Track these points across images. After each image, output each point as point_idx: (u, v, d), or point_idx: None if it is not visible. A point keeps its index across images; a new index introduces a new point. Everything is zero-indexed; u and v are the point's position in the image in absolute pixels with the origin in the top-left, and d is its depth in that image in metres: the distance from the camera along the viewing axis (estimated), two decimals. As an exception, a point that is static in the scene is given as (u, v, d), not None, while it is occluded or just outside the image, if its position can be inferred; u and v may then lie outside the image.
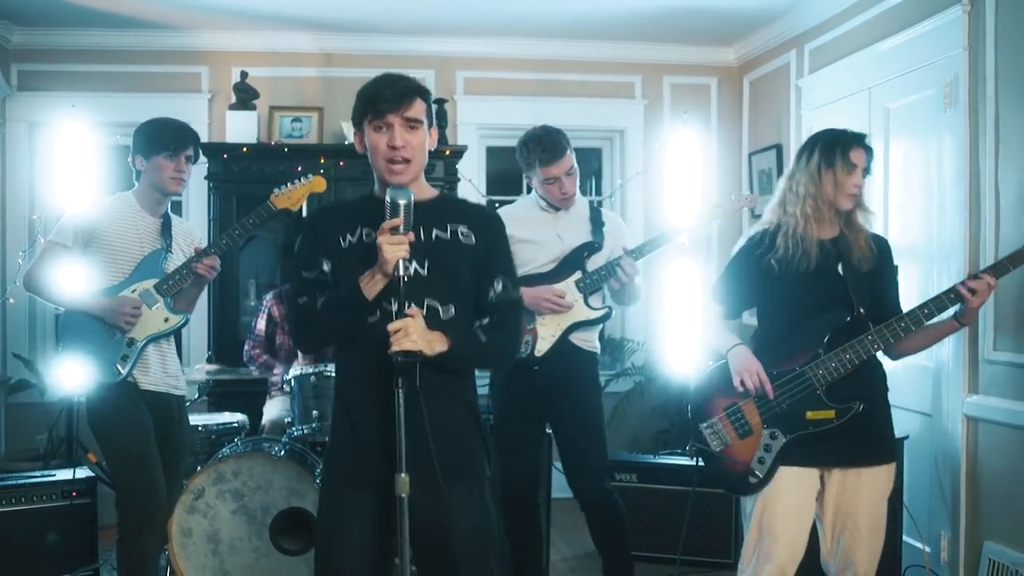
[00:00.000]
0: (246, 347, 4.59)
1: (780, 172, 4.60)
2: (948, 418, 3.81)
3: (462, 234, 2.25)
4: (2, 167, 5.35)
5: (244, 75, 5.29)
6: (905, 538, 3.80)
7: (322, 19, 5.27)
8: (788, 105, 5.18)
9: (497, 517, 3.56)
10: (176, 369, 3.47)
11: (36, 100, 5.33)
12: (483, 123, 5.71)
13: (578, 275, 3.51)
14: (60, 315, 3.40)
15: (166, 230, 3.39)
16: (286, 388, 4.18)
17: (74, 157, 5.03)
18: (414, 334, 2.05)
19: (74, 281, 3.33)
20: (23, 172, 5.38)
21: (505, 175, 5.95)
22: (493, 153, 5.90)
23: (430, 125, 2.26)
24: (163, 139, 3.29)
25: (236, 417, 4.33)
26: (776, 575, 2.67)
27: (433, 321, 2.15)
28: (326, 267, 2.24)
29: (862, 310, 2.68)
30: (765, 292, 2.78)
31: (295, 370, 4.06)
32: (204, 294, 5.03)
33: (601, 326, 3.62)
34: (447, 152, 5.24)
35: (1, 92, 5.27)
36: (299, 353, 4.44)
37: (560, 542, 4.65)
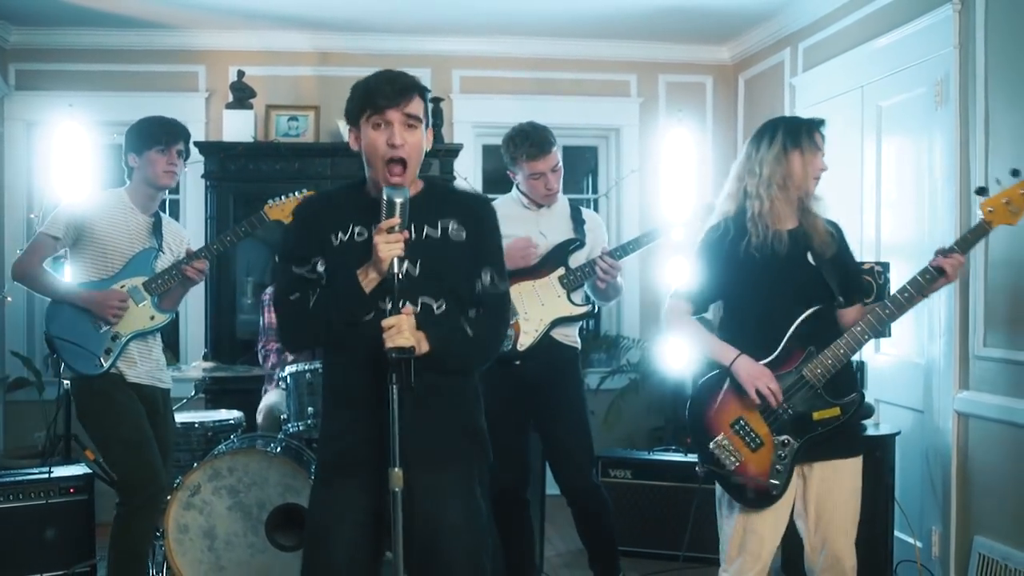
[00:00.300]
0: (259, 346, 4.56)
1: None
2: (939, 414, 3.84)
3: (453, 229, 2.24)
4: (0, 166, 5.37)
5: (241, 74, 5.31)
6: (897, 533, 3.82)
7: (318, 18, 5.28)
8: (782, 103, 5.20)
9: (488, 513, 3.62)
10: (161, 363, 3.51)
11: (34, 99, 5.35)
12: (479, 121, 5.73)
13: (561, 271, 3.53)
14: (47, 305, 3.41)
15: (157, 229, 3.43)
16: (281, 385, 4.20)
17: (72, 156, 5.05)
18: (407, 331, 2.05)
19: (64, 273, 3.38)
20: (21, 171, 5.40)
21: (501, 174, 5.86)
22: (489, 151, 5.92)
23: (427, 125, 2.24)
24: (155, 134, 3.34)
25: (232, 414, 4.35)
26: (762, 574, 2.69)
27: (427, 318, 2.16)
28: (320, 267, 2.22)
29: (841, 299, 2.67)
30: (741, 282, 2.69)
31: (290, 367, 4.09)
32: (201, 292, 5.10)
33: (581, 322, 3.63)
34: (443, 151, 5.26)
35: (-1, 91, 5.30)
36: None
37: (555, 538, 4.67)
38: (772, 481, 2.61)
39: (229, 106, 5.30)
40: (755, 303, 2.69)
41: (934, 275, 2.62)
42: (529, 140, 3.48)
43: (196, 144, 5.18)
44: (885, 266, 3.72)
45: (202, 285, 5.07)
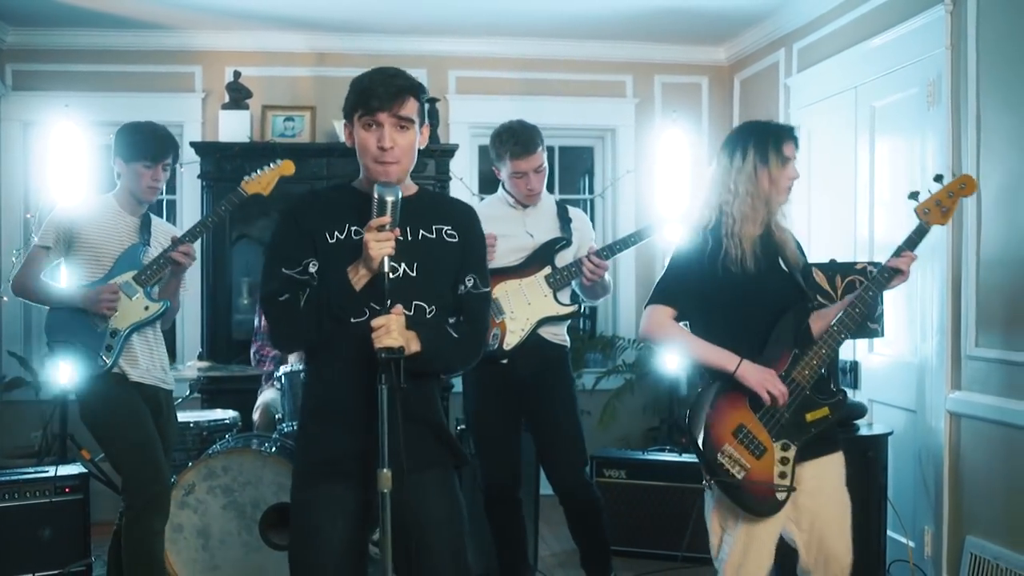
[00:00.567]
0: (253, 348, 4.57)
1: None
2: (932, 414, 3.85)
3: (447, 233, 2.25)
4: (-3, 166, 5.40)
5: (237, 75, 5.33)
6: (889, 533, 3.83)
7: (315, 19, 5.30)
8: (777, 104, 5.21)
9: (480, 514, 3.63)
10: (164, 363, 3.49)
11: (30, 100, 5.36)
12: (475, 122, 5.74)
13: (548, 270, 3.53)
14: (47, 314, 3.43)
15: (145, 227, 3.45)
16: (276, 384, 4.21)
17: (68, 156, 5.06)
18: (395, 331, 2.05)
19: (57, 280, 3.39)
20: (17, 171, 5.42)
21: (497, 174, 5.98)
22: (485, 152, 5.84)
23: (422, 123, 2.23)
24: (144, 147, 3.33)
25: (228, 414, 4.36)
26: None
27: (419, 321, 2.16)
28: (312, 267, 2.20)
29: (820, 299, 2.71)
30: (720, 293, 2.65)
31: (285, 367, 4.11)
32: (197, 292, 5.10)
33: (569, 321, 3.63)
34: (439, 151, 5.27)
35: (-4, 92, 5.32)
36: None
37: (550, 537, 4.68)
38: (779, 486, 2.60)
39: (225, 106, 5.31)
40: (734, 312, 2.66)
41: (892, 274, 2.70)
42: (515, 138, 3.48)
43: (192, 144, 5.22)
44: (877, 265, 3.71)
45: (199, 286, 5.12)
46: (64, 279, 3.44)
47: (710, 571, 2.81)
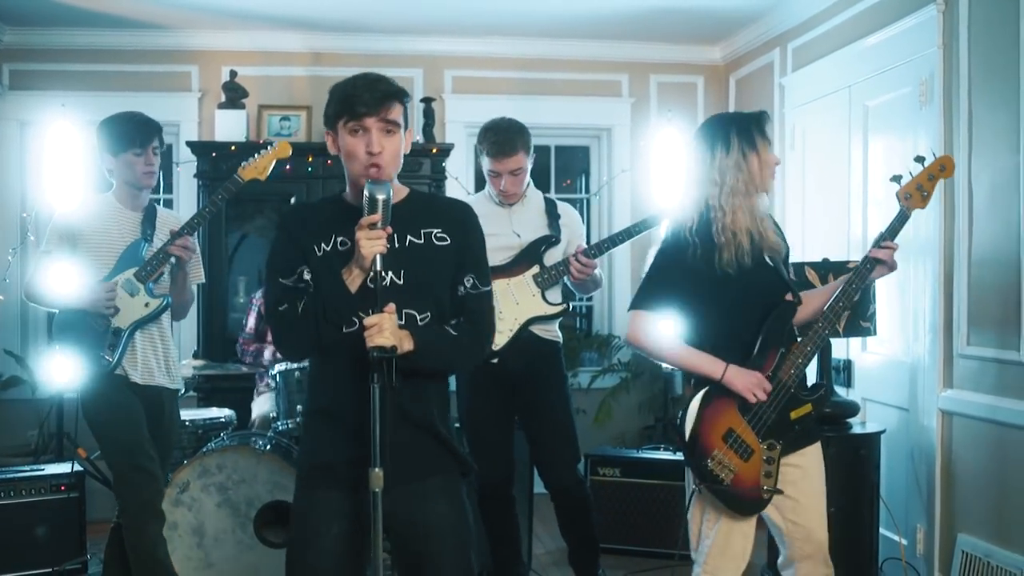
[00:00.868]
0: (238, 345, 4.63)
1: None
2: (924, 412, 3.86)
3: (436, 237, 2.23)
4: (-6, 165, 5.41)
5: (233, 74, 5.34)
6: (882, 531, 3.84)
7: (311, 19, 5.31)
8: (772, 103, 5.22)
9: (474, 512, 3.63)
10: (170, 361, 3.45)
11: (27, 99, 5.37)
12: (471, 121, 5.73)
13: (536, 269, 3.53)
14: (53, 316, 3.44)
15: (148, 221, 3.41)
16: (271, 384, 4.23)
17: (64, 155, 5.08)
18: (387, 330, 2.04)
19: (62, 283, 3.36)
20: (14, 170, 5.43)
21: (493, 173, 5.99)
22: (481, 151, 5.94)
23: (406, 127, 2.23)
24: (129, 135, 3.29)
25: (223, 412, 4.37)
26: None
27: (411, 328, 2.14)
28: (306, 274, 2.20)
29: (800, 294, 2.68)
30: (712, 296, 2.61)
31: (280, 366, 4.12)
32: (194, 290, 5.11)
33: (561, 317, 3.63)
34: (435, 150, 5.28)
35: (-8, 91, 5.33)
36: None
37: (545, 536, 4.70)
38: (765, 487, 2.61)
39: (221, 106, 5.32)
40: (725, 313, 2.63)
41: (873, 265, 2.67)
42: (493, 137, 3.46)
43: (188, 144, 5.23)
44: (870, 265, 3.74)
45: (195, 286, 5.12)
46: (55, 279, 3.43)
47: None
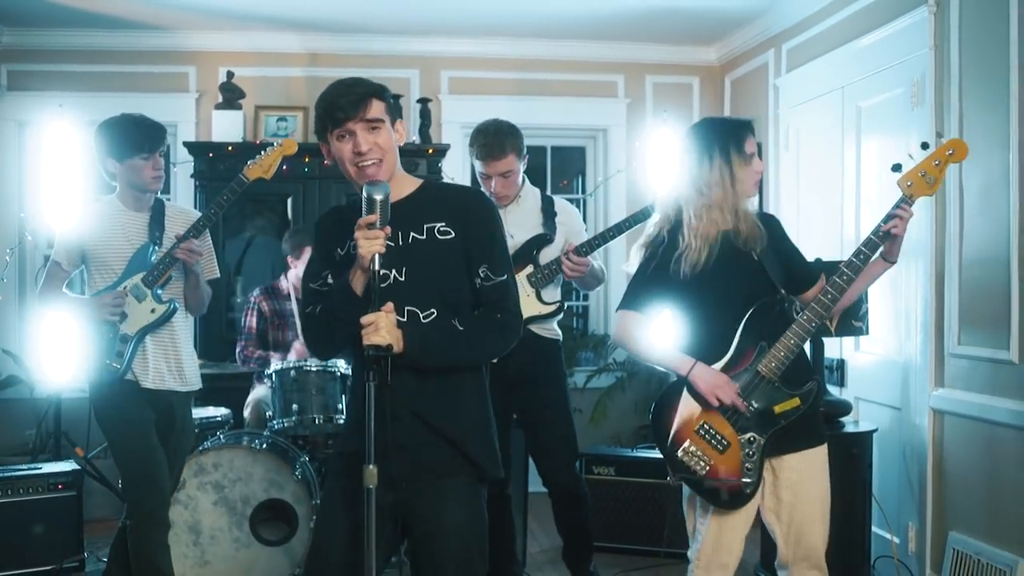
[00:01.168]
0: (238, 348, 4.59)
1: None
2: (916, 411, 3.89)
3: (439, 231, 2.23)
4: (-8, 165, 5.43)
5: (230, 75, 5.36)
6: (874, 529, 3.87)
7: (308, 19, 5.33)
8: (767, 104, 5.25)
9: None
10: (181, 363, 3.38)
11: (25, 99, 5.40)
12: (467, 122, 5.74)
13: (530, 269, 3.54)
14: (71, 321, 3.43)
15: (156, 222, 3.34)
16: (267, 382, 4.24)
17: (62, 156, 5.10)
18: (383, 329, 2.07)
19: (67, 299, 3.37)
20: (12, 170, 5.46)
21: (490, 174, 6.01)
22: (477, 152, 5.96)
23: (394, 120, 2.23)
24: (136, 140, 3.23)
25: (220, 411, 4.39)
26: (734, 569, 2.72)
27: (414, 323, 2.17)
28: (330, 279, 2.27)
29: (783, 291, 2.68)
30: (684, 291, 2.67)
31: (276, 364, 4.14)
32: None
33: (558, 315, 3.64)
34: (431, 151, 5.31)
35: (-9, 92, 5.35)
36: (291, 346, 4.50)
37: (540, 534, 4.72)
38: (744, 480, 2.62)
39: (218, 107, 5.35)
40: (697, 310, 2.69)
41: (867, 254, 2.66)
42: (483, 140, 3.47)
43: (185, 144, 5.27)
44: (863, 265, 3.76)
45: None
46: (61, 295, 3.41)
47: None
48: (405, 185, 2.29)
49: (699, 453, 2.63)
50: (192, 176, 5.21)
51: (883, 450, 3.98)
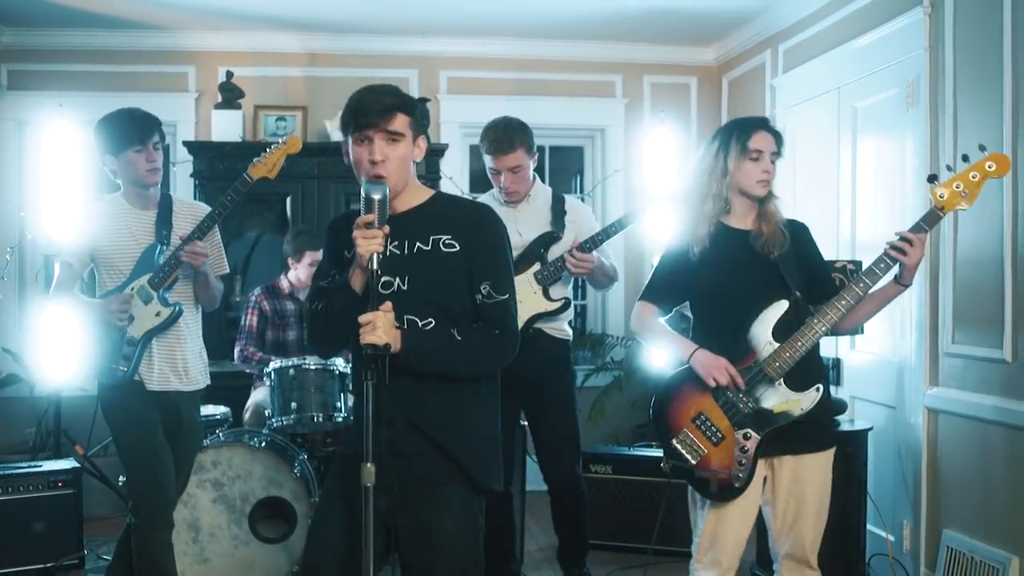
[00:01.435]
0: (237, 348, 4.61)
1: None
2: (910, 410, 3.91)
3: (444, 244, 2.25)
4: (-8, 165, 5.45)
5: (230, 75, 5.38)
6: (869, 527, 3.89)
7: (307, 19, 5.35)
8: (764, 104, 5.27)
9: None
10: (188, 364, 3.37)
11: (25, 99, 5.41)
12: (466, 122, 5.79)
13: (537, 267, 3.58)
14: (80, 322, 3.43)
15: (163, 220, 3.31)
16: (267, 381, 4.26)
17: (62, 155, 5.12)
18: (380, 329, 2.09)
19: (75, 302, 3.37)
20: (12, 170, 5.48)
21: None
22: (476, 152, 5.92)
23: (417, 135, 2.26)
24: (127, 132, 3.20)
25: (219, 409, 4.41)
26: (726, 573, 2.75)
27: (407, 330, 2.19)
28: (338, 278, 2.29)
29: (798, 293, 2.71)
30: (697, 286, 2.77)
31: (275, 363, 4.15)
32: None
33: (568, 314, 3.68)
34: (429, 151, 5.30)
35: (-9, 91, 5.37)
36: (289, 347, 4.52)
37: (537, 532, 4.75)
38: (735, 474, 2.66)
39: (218, 106, 5.37)
40: (707, 304, 2.78)
41: (888, 264, 2.66)
42: (492, 135, 3.52)
43: (185, 144, 5.28)
44: (858, 264, 3.78)
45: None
46: (69, 298, 3.40)
47: (685, 564, 2.87)
48: (417, 196, 2.32)
49: (694, 442, 2.70)
50: (192, 175, 5.23)
51: (878, 448, 4.00)
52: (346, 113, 2.25)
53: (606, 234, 3.57)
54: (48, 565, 4.03)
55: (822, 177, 4.67)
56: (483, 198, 3.81)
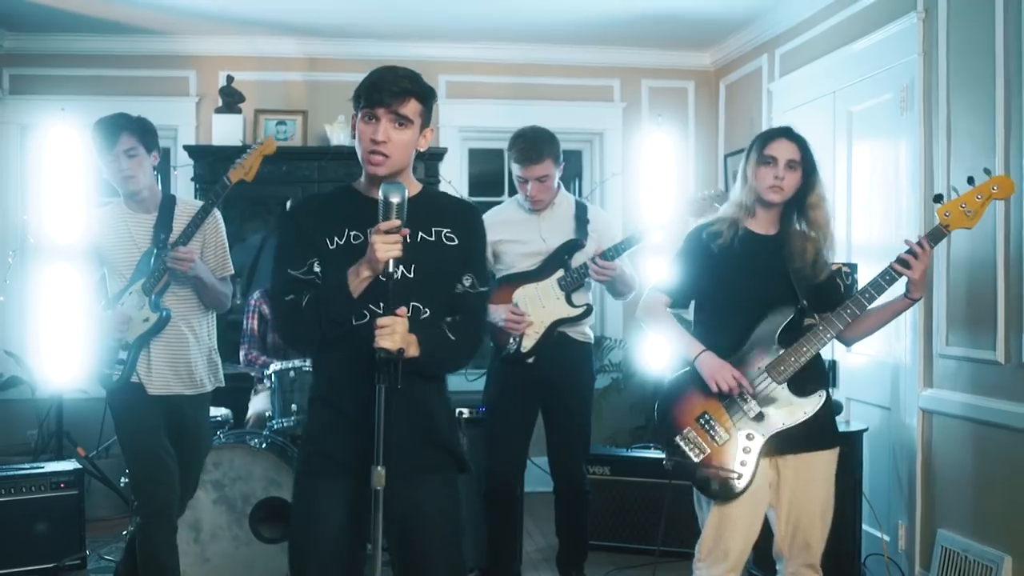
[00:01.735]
0: (242, 352, 4.63)
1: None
2: (905, 411, 3.95)
3: (446, 236, 2.27)
4: (-5, 169, 5.48)
5: (230, 79, 5.42)
6: (865, 527, 3.92)
7: (307, 24, 5.38)
8: (760, 108, 5.31)
9: (476, 508, 3.72)
10: (192, 368, 3.36)
11: (27, 103, 5.45)
12: (465, 126, 5.84)
13: (560, 273, 3.65)
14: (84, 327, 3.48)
15: (163, 223, 3.30)
16: (267, 383, 4.29)
17: (64, 159, 5.16)
18: (397, 334, 2.08)
19: (81, 310, 3.43)
20: (14, 174, 5.52)
21: (487, 177, 6.09)
22: (475, 155, 6.04)
23: (424, 126, 2.24)
24: (97, 139, 3.20)
25: (220, 411, 4.43)
26: (728, 573, 2.78)
27: (414, 322, 2.19)
28: (316, 267, 2.25)
29: (805, 302, 2.74)
30: (709, 283, 2.82)
31: (276, 365, 4.18)
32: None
33: (591, 319, 3.75)
34: (428, 155, 5.35)
35: (-7, 96, 5.40)
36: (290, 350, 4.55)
37: (536, 532, 4.78)
38: (736, 473, 2.69)
39: (218, 110, 5.41)
40: (715, 305, 2.84)
41: (893, 277, 2.70)
42: (522, 144, 3.60)
43: (186, 148, 5.32)
44: (853, 267, 3.81)
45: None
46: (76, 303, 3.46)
47: (687, 565, 2.90)
48: (411, 187, 2.30)
49: (697, 440, 2.73)
50: (192, 179, 5.27)
51: (873, 449, 4.04)
52: (361, 86, 2.21)
53: (627, 244, 3.60)
54: (50, 566, 4.07)
55: (818, 180, 4.69)
56: (508, 203, 3.87)
